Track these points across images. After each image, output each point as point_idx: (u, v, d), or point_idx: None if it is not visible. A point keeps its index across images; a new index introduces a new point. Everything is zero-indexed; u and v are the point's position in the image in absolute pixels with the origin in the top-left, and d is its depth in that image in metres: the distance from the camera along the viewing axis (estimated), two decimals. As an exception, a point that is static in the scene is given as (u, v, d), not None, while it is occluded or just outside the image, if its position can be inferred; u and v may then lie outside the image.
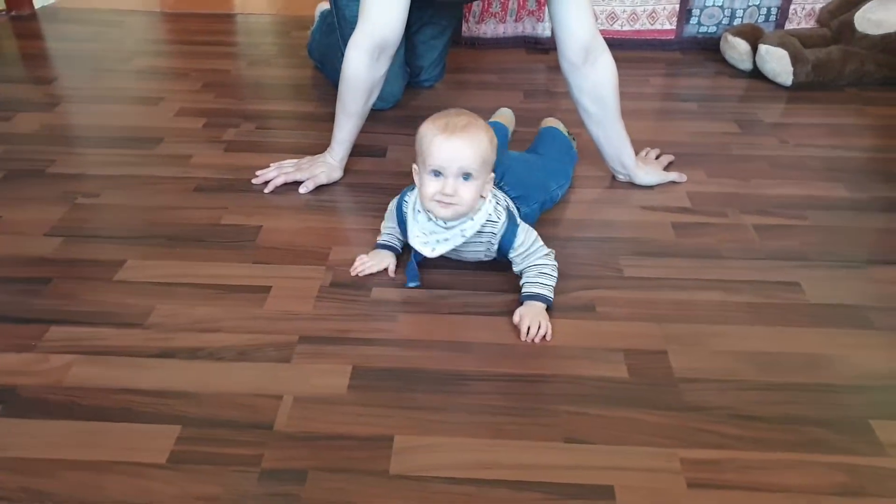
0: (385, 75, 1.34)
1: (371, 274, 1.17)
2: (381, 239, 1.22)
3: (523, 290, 1.10)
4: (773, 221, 1.34)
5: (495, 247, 1.12)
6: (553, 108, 1.79)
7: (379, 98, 1.39)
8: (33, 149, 1.56)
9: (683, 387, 0.96)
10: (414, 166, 1.10)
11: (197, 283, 1.15)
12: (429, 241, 1.10)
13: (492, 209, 1.10)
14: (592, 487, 0.82)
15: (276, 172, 1.42)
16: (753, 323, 1.08)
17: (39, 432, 0.88)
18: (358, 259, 1.18)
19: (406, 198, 1.15)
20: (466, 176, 1.02)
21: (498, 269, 1.18)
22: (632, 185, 1.44)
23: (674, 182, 1.46)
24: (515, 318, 1.07)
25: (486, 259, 1.16)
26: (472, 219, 1.08)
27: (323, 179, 1.41)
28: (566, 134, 1.49)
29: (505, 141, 1.46)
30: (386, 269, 1.17)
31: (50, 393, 0.94)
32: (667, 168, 1.50)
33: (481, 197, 1.08)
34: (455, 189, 1.02)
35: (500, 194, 1.16)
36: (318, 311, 1.10)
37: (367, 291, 1.14)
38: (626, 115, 1.40)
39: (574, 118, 1.47)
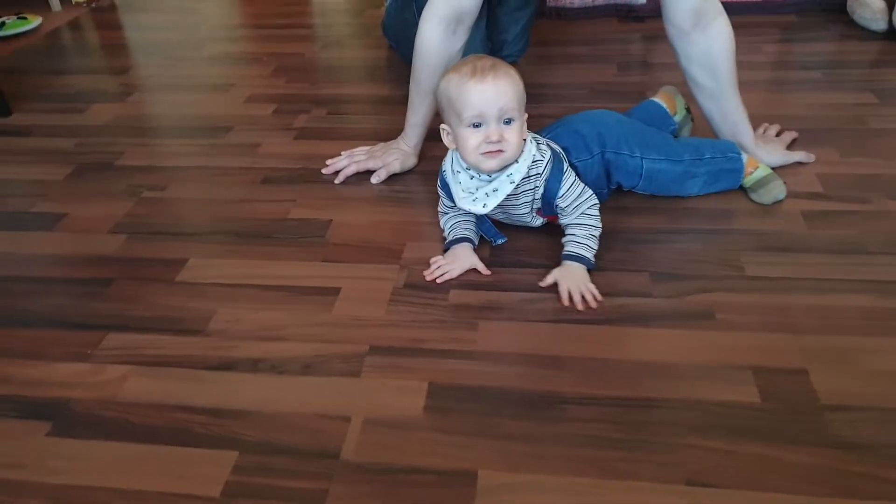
0: (463, 50, 1.20)
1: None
2: (450, 234, 1.08)
3: (565, 249, 1.02)
4: (929, 208, 1.12)
5: (541, 191, 1.01)
6: (651, 81, 1.60)
7: None
8: (104, 141, 1.51)
9: (831, 416, 0.79)
10: (443, 127, 1.01)
11: (262, 285, 1.05)
12: (478, 198, 1.01)
13: (534, 149, 1.00)
14: (723, 548, 0.67)
15: (347, 161, 1.31)
16: (915, 335, 0.89)
17: (88, 455, 0.80)
18: (433, 262, 1.05)
19: (443, 168, 1.06)
20: (508, 120, 0.95)
21: (594, 268, 1.02)
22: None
23: (800, 163, 1.25)
24: (549, 280, 0.99)
25: (536, 220, 1.07)
26: (518, 161, 0.99)
27: (396, 168, 1.29)
28: (675, 109, 1.29)
29: (668, 125, 1.26)
30: (475, 270, 1.04)
31: (103, 409, 0.86)
32: (790, 147, 1.29)
33: (522, 140, 0.98)
34: (500, 134, 0.94)
35: (538, 137, 1.06)
36: (390, 317, 0.98)
37: (444, 294, 1.01)
38: (739, 86, 1.20)
39: (683, 92, 1.29)
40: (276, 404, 0.85)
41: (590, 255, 1.00)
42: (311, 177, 1.32)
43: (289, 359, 0.92)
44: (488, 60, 0.96)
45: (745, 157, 1.17)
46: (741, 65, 1.19)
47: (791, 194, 1.17)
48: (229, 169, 1.37)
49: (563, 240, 1.03)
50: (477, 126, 0.95)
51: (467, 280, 1.03)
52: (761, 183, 1.16)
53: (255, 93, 1.71)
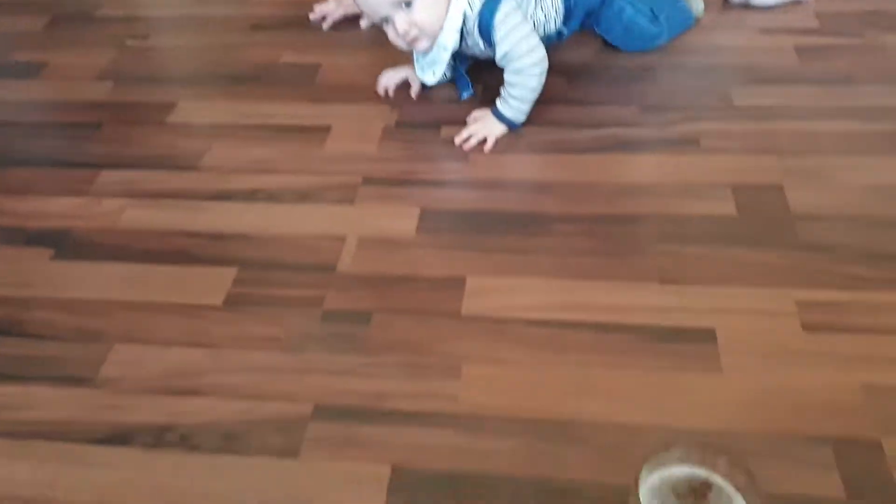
0: None
1: (420, 101, 1.07)
2: None
3: (495, 103, 0.98)
4: (920, 40, 1.11)
5: (477, 30, 0.96)
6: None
7: None
8: (81, -7, 1.46)
9: (802, 224, 0.82)
10: None
11: (253, 124, 1.06)
12: (424, 67, 1.01)
13: (465, 4, 0.94)
14: (690, 330, 0.71)
15: (335, 5, 1.28)
16: (891, 154, 0.91)
17: (93, 274, 0.84)
18: (382, 75, 1.09)
19: None
20: (408, 3, 0.91)
21: (582, 101, 1.03)
22: (747, 7, 1.22)
23: (798, 2, 1.23)
24: (469, 119, 1.00)
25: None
26: (444, 28, 0.94)
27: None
28: None
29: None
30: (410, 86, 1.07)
31: (104, 236, 0.89)
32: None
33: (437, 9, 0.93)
34: (408, 22, 0.92)
35: None
36: (382, 153, 0.99)
37: (435, 130, 1.02)
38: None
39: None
40: (273, 228, 0.88)
41: (511, 114, 0.97)
42: (302, 22, 1.29)
43: (284, 189, 0.94)
44: None
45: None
46: None
47: (785, 30, 1.16)
48: (215, 18, 1.34)
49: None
50: (385, 21, 0.94)
51: (460, 117, 1.03)
52: None
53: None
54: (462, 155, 0.97)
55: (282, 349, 0.73)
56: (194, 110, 1.10)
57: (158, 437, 0.66)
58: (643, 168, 0.93)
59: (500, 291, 0.78)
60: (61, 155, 1.03)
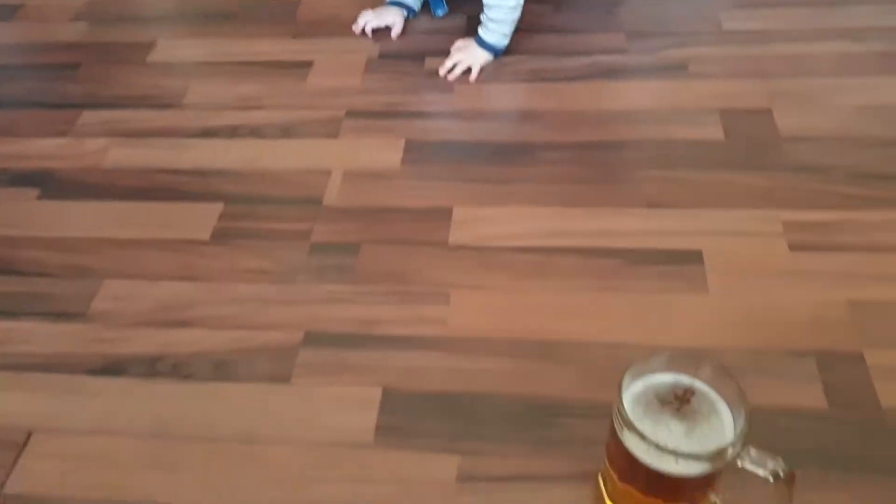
0: None
1: (402, 33, 1.05)
2: None
3: (477, 31, 0.97)
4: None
5: None
6: None
7: None
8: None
9: (790, 147, 0.82)
10: None
11: (233, 62, 1.04)
12: None
13: None
14: (677, 252, 0.72)
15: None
16: (883, 73, 0.90)
17: (79, 213, 0.83)
18: (361, 15, 1.06)
19: None
20: None
21: (567, 29, 1.01)
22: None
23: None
24: (452, 48, 0.98)
25: None
26: None
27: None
28: None
29: None
30: (390, 28, 1.04)
31: (88, 175, 0.88)
32: None
33: None
34: None
35: None
36: (366, 85, 0.98)
37: (419, 62, 1.01)
38: None
39: None
40: (258, 164, 0.87)
41: (495, 39, 0.96)
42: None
43: (267, 125, 0.93)
44: None
45: None
46: None
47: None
48: (190, -46, 1.30)
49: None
50: None
51: (444, 48, 1.01)
52: None
53: None
54: (447, 85, 0.96)
55: (271, 281, 0.73)
56: (174, 49, 1.07)
57: (151, 367, 0.66)
58: (630, 95, 0.92)
59: (487, 220, 0.78)
60: (41, 96, 1.01)
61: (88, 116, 0.97)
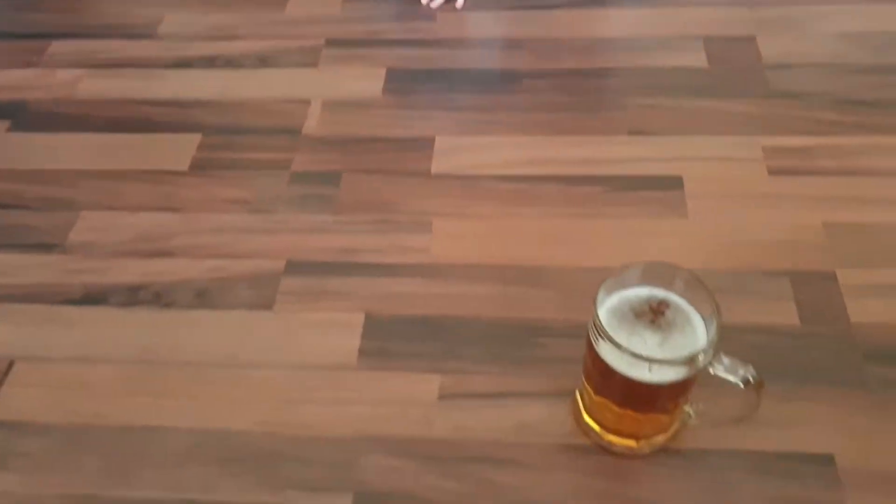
0: None
1: None
2: None
3: None
4: None
5: None
6: None
7: None
8: None
9: (773, 74, 0.81)
10: None
11: (208, -11, 1.00)
12: None
13: None
14: (658, 178, 0.72)
15: None
16: (867, 0, 0.89)
17: (54, 144, 0.82)
18: None
19: None
20: None
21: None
22: None
23: None
24: None
25: None
26: None
27: None
28: None
29: None
30: None
31: (61, 106, 0.86)
32: None
33: None
34: None
35: None
36: (346, 13, 0.96)
37: (401, -11, 0.98)
38: None
39: None
40: (235, 93, 0.86)
41: None
42: None
43: (244, 54, 0.91)
44: None
45: None
46: None
47: None
48: None
49: None
50: None
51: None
52: None
53: None
54: (429, 13, 0.94)
55: (251, 211, 0.73)
56: (145, -24, 1.04)
57: (132, 296, 0.66)
58: (613, 22, 0.91)
59: (470, 149, 0.77)
60: (5, 26, 0.98)
61: (58, 46, 0.94)
